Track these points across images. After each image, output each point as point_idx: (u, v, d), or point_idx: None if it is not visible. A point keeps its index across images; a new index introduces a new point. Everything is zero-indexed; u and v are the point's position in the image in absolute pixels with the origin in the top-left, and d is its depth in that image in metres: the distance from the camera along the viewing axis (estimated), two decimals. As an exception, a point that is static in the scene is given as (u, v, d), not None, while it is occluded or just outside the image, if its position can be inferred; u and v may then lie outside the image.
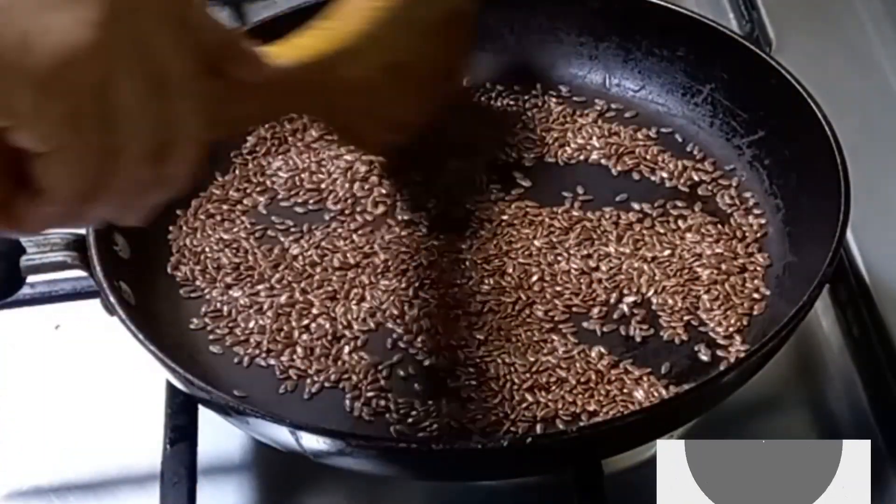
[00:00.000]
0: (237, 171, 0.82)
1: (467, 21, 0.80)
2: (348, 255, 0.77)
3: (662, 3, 0.84)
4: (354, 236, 0.78)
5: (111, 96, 0.49)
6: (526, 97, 0.85)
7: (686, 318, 0.73)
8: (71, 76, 0.47)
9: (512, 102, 0.85)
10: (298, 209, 0.80)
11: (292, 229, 0.78)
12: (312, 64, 0.67)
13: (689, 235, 0.77)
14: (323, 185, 0.81)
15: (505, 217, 0.78)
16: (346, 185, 0.80)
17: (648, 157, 0.82)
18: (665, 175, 0.81)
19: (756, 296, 0.73)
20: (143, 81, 0.50)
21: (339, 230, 0.78)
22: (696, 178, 0.80)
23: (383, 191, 0.80)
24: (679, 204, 0.79)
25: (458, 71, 0.83)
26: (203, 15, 0.55)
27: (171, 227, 0.78)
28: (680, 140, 0.83)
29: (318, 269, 0.76)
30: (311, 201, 0.80)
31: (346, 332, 0.73)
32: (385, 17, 0.71)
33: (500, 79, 0.86)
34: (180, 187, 0.54)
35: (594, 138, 0.82)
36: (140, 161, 0.51)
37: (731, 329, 0.72)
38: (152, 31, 0.50)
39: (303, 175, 0.81)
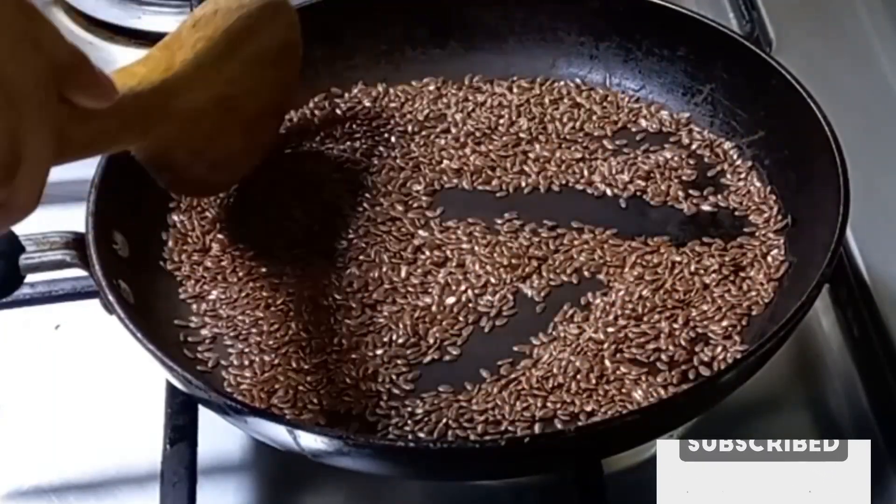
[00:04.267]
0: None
1: (296, 54, 0.79)
2: (350, 249, 0.77)
3: (662, 3, 0.84)
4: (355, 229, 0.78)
5: None
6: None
7: (685, 317, 0.73)
8: None
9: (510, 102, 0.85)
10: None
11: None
12: (146, 94, 0.67)
13: (688, 235, 0.77)
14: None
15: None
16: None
17: (648, 157, 0.82)
18: (665, 175, 0.81)
19: (755, 296, 0.73)
20: None
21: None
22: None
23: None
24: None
25: (284, 107, 0.83)
26: (56, 36, 0.55)
27: (170, 227, 0.78)
28: (680, 140, 0.83)
29: (316, 267, 0.76)
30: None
31: (343, 329, 0.73)
32: (211, 48, 0.71)
33: (499, 78, 0.86)
34: (25, 211, 0.54)
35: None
36: None
37: (730, 329, 0.72)
38: (3, 49, 0.51)
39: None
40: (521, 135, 0.83)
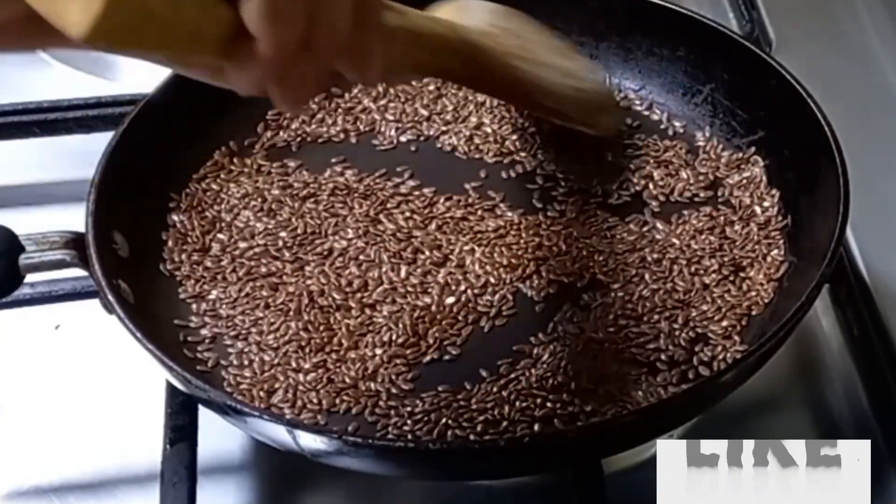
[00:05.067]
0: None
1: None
2: (349, 249, 0.77)
3: (662, 2, 0.84)
4: (354, 229, 0.78)
5: None
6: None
7: (685, 317, 0.73)
8: None
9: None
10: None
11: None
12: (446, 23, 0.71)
13: (688, 235, 0.77)
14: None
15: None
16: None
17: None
18: (665, 175, 0.81)
19: (755, 296, 0.73)
20: None
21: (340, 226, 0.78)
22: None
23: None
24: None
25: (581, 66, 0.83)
26: None
27: (170, 227, 0.78)
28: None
29: (315, 267, 0.76)
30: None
31: (343, 329, 0.73)
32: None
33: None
34: (366, 68, 0.57)
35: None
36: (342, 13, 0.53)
37: (729, 329, 0.72)
38: None
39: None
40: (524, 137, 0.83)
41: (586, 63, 0.82)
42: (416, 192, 0.80)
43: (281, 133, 0.84)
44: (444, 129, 0.84)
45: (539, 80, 0.77)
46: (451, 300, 0.74)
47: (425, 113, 0.85)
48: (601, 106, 0.82)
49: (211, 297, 0.75)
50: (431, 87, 0.86)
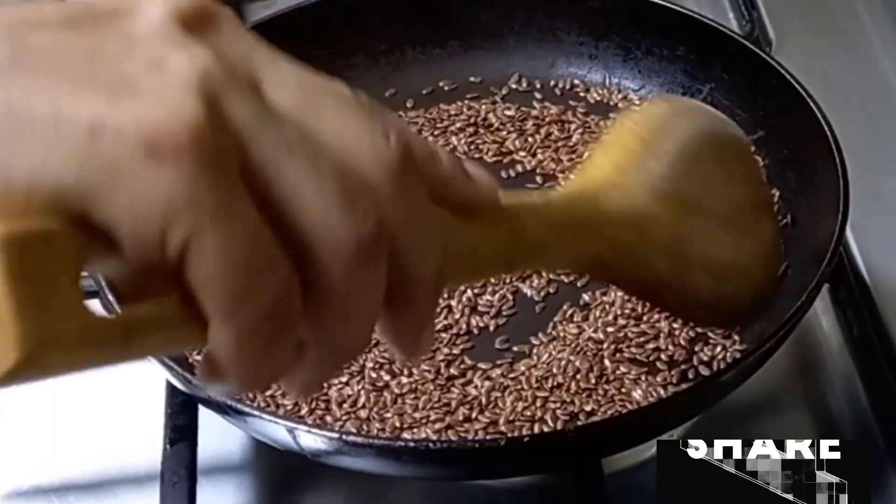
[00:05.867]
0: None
1: (744, 148, 0.69)
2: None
3: (662, 2, 0.84)
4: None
5: None
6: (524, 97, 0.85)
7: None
8: None
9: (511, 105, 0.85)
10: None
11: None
12: (566, 198, 0.57)
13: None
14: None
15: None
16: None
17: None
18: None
19: (755, 295, 0.74)
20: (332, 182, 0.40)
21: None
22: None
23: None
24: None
25: (764, 199, 0.71)
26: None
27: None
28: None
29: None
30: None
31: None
32: (632, 153, 0.61)
33: (499, 79, 0.86)
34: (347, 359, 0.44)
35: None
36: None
37: (729, 329, 0.72)
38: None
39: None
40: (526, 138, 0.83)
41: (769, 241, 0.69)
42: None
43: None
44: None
45: (680, 286, 0.64)
46: (451, 301, 0.74)
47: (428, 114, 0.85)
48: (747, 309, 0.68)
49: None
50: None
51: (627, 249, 0.59)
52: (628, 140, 0.62)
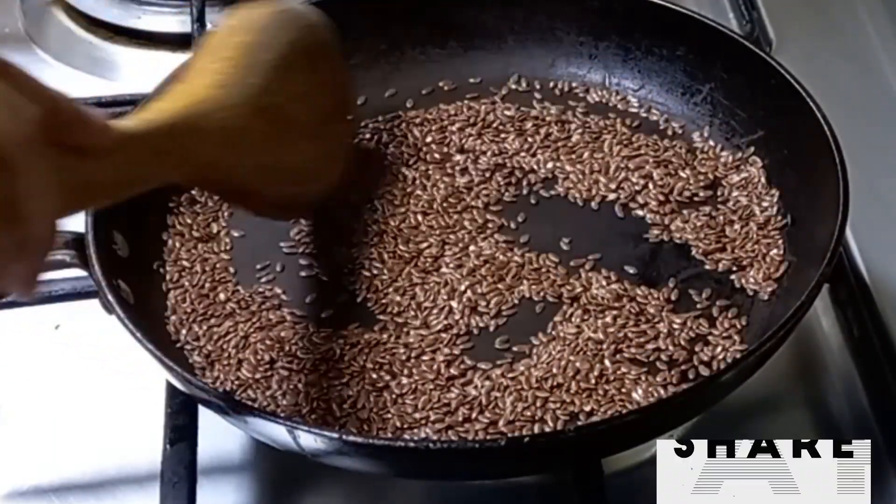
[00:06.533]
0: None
1: (328, 54, 0.77)
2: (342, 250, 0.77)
3: (662, 2, 0.84)
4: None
5: None
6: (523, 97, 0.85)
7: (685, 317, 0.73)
8: None
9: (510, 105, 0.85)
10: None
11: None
12: (168, 122, 0.63)
13: (688, 235, 0.77)
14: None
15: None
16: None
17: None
18: (665, 175, 0.81)
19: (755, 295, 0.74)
20: None
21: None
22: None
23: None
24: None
25: (345, 107, 0.80)
26: (35, 88, 0.54)
27: (170, 227, 0.78)
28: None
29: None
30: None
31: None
32: (230, 66, 0.68)
33: (498, 79, 0.86)
34: (41, 258, 0.54)
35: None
36: None
37: (729, 329, 0.72)
38: None
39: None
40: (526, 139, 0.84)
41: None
42: (419, 192, 0.80)
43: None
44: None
45: (264, 191, 0.72)
46: (452, 302, 0.74)
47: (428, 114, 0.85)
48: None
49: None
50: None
51: (220, 164, 0.67)
52: (232, 48, 0.69)
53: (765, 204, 0.78)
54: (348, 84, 0.80)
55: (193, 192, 0.80)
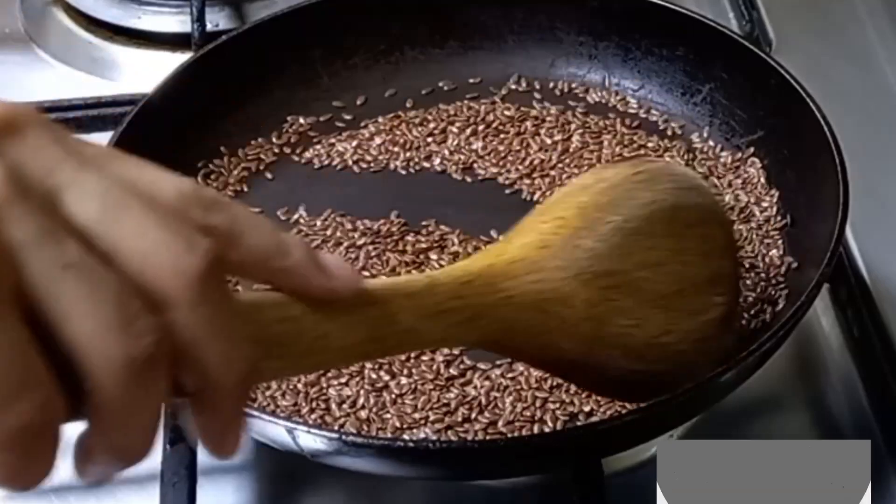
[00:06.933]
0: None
1: (709, 217, 0.65)
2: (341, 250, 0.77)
3: (662, 2, 0.84)
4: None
5: None
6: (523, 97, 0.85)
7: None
8: None
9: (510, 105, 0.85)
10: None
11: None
12: (458, 279, 0.55)
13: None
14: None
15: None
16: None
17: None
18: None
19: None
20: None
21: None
22: (695, 178, 0.81)
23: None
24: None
25: (719, 278, 0.65)
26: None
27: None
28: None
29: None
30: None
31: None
32: (561, 225, 0.60)
33: (498, 79, 0.86)
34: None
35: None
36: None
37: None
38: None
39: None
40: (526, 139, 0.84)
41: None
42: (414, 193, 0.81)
43: (283, 136, 0.84)
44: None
45: (587, 364, 0.62)
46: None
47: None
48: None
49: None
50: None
51: (528, 330, 0.58)
52: (567, 208, 0.61)
53: (764, 204, 0.78)
54: (732, 250, 0.68)
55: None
